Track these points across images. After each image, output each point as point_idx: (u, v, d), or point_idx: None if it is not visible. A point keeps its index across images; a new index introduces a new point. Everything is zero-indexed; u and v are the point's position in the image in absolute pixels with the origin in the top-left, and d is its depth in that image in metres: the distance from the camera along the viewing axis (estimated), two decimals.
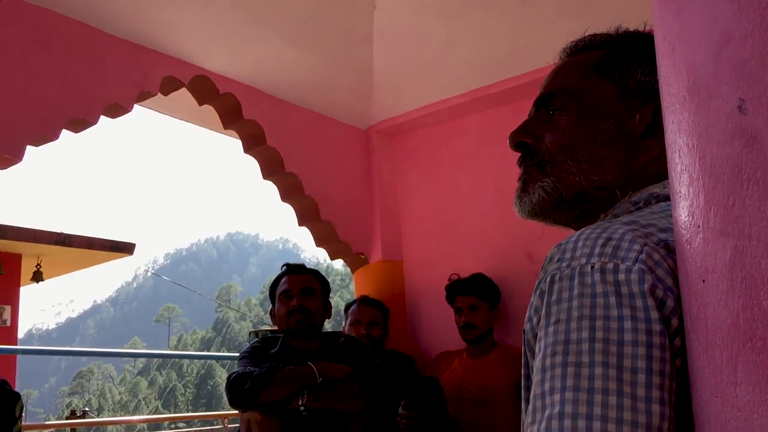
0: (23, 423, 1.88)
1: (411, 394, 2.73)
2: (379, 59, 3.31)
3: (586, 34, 1.03)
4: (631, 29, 1.02)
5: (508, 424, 2.99)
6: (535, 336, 0.73)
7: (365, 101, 3.64)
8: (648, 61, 0.94)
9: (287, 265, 2.85)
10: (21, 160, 2.37)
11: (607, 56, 0.97)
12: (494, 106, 3.48)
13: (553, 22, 2.84)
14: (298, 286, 2.71)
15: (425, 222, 3.78)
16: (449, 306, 3.28)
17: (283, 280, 2.77)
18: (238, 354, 2.88)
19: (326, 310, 2.77)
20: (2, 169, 2.38)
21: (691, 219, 0.60)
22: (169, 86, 2.97)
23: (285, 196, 3.49)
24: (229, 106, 3.20)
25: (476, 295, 3.18)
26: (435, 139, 3.77)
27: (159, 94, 2.91)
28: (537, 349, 0.71)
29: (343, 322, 3.47)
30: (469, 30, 3.06)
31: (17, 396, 1.82)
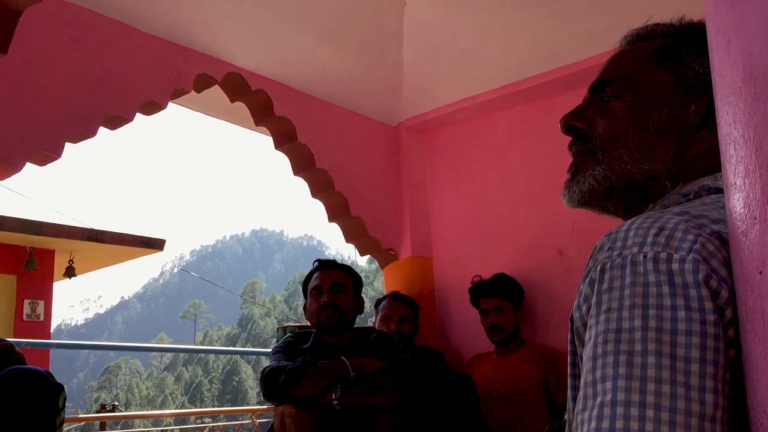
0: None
1: (444, 390, 2.73)
2: (409, 55, 3.31)
3: (648, 23, 1.02)
4: (695, 20, 1.00)
5: (537, 419, 2.98)
6: (585, 324, 0.73)
7: (395, 97, 3.65)
8: (708, 52, 0.94)
9: (319, 260, 2.87)
10: (60, 156, 2.41)
11: (668, 46, 0.96)
12: (524, 102, 3.47)
13: (585, 17, 2.83)
14: (328, 282, 2.72)
15: (455, 218, 3.78)
16: None
17: (315, 275, 2.78)
18: (263, 349, 2.89)
19: (357, 306, 2.78)
20: (42, 165, 2.42)
21: (746, 210, 0.60)
22: (202, 83, 3.00)
23: (315, 192, 3.51)
24: (260, 102, 3.22)
25: (500, 296, 3.17)
26: (465, 135, 3.77)
27: (192, 91, 2.94)
28: (587, 338, 0.71)
29: (374, 318, 3.48)
30: (499, 25, 3.05)
31: (61, 387, 1.85)
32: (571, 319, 0.77)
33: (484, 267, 3.39)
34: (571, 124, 0.99)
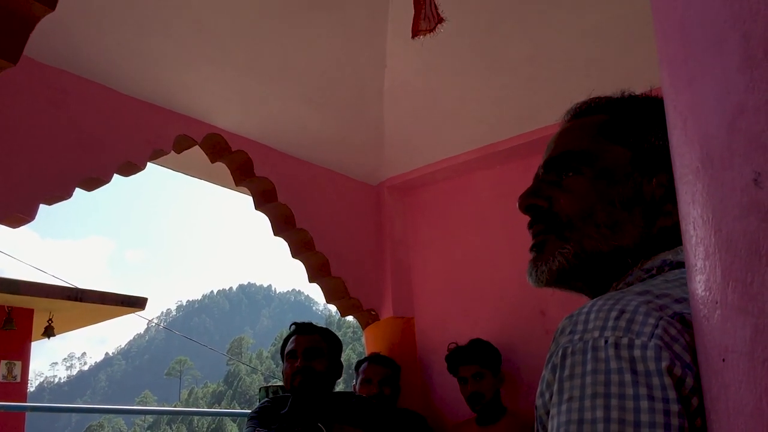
0: None
1: None
2: (390, 116, 3.33)
3: (590, 97, 1.00)
4: (638, 93, 0.99)
5: None
6: (548, 413, 0.70)
7: (376, 157, 3.65)
8: (660, 125, 0.91)
9: (295, 324, 2.83)
10: (33, 218, 2.38)
11: (617, 119, 0.94)
12: (504, 163, 3.48)
13: (562, 80, 2.86)
14: (303, 346, 2.68)
15: (437, 278, 3.74)
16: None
17: (291, 339, 2.75)
18: (246, 411, 2.82)
19: (334, 370, 2.72)
20: (14, 227, 2.39)
21: (708, 294, 0.58)
22: (181, 144, 3.00)
23: (296, 252, 3.48)
24: (240, 163, 3.22)
25: (479, 363, 3.10)
26: (446, 195, 3.77)
27: (172, 152, 2.94)
28: (550, 428, 0.68)
29: (354, 380, 3.42)
30: (479, 87, 3.08)
31: None
32: (536, 407, 0.74)
33: (467, 328, 3.34)
34: (531, 203, 0.94)
